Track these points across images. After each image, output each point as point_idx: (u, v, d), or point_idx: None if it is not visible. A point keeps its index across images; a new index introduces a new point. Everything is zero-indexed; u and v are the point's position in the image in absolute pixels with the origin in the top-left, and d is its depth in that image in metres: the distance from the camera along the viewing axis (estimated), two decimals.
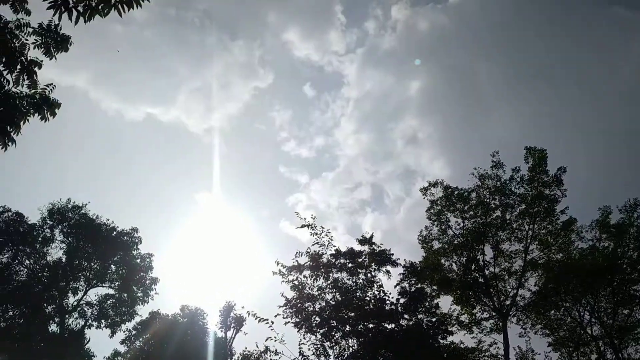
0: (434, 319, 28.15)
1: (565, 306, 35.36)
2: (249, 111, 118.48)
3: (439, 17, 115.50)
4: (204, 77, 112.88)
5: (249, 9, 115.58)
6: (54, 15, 9.07)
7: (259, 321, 26.81)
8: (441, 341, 27.58)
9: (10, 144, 11.06)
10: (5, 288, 37.02)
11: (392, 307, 26.96)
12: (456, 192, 34.61)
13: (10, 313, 37.40)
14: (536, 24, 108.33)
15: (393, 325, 26.80)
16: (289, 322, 27.15)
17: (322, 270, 27.59)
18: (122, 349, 39.27)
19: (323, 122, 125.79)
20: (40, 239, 39.78)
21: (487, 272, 34.09)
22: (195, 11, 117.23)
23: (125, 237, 41.51)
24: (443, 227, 35.11)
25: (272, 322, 26.71)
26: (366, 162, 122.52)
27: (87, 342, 39.86)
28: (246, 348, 38.50)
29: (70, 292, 40.11)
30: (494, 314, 34.04)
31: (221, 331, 37.71)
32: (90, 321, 40.36)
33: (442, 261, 34.58)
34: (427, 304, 28.67)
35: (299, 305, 27.29)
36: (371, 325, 26.68)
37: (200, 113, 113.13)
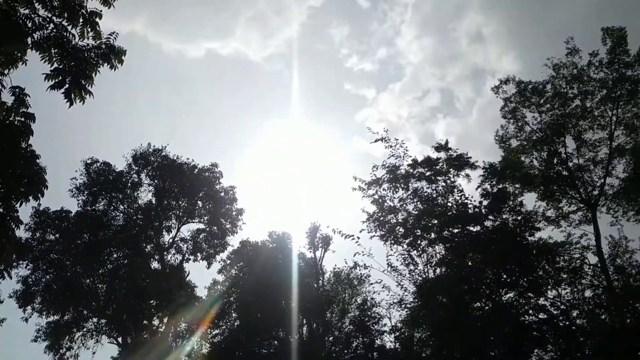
0: (519, 217, 27.90)
1: None
2: (306, 32, 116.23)
3: None
4: (258, 4, 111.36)
5: None
6: None
7: (345, 238, 27.67)
8: (529, 238, 27.40)
9: (87, 96, 11.51)
10: (107, 233, 39.56)
11: (476, 209, 26.90)
12: (530, 86, 33.22)
13: (115, 255, 40.13)
14: None
15: (478, 228, 26.87)
16: (374, 235, 27.81)
17: (401, 181, 27.72)
18: (220, 278, 41.43)
19: (383, 32, 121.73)
20: (129, 184, 41.82)
21: (570, 164, 33.04)
22: None
23: (207, 173, 42.93)
24: (520, 124, 34.05)
25: (358, 238, 27.51)
26: (432, 67, 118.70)
27: (188, 275, 42.40)
28: (336, 265, 39.86)
29: (164, 230, 42.42)
30: (581, 205, 33.22)
31: (310, 252, 39.02)
32: (187, 255, 42.74)
33: (523, 158, 33.73)
34: (510, 203, 28.37)
35: (382, 218, 27.76)
36: (456, 230, 26.87)
37: (259, 41, 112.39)
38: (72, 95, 11.06)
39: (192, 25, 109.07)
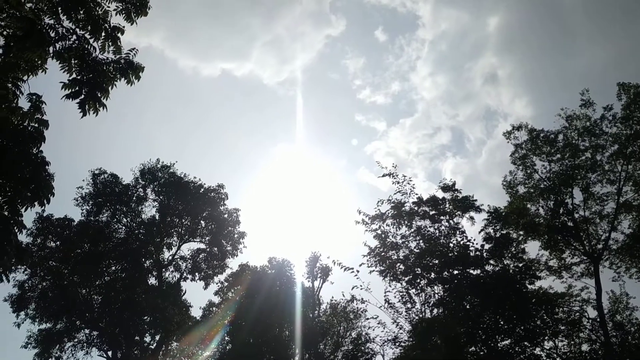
0: (520, 264, 27.72)
1: None
2: (322, 60, 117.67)
3: None
4: (276, 29, 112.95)
5: None
6: None
7: (344, 270, 27.57)
8: (529, 286, 27.17)
9: (100, 108, 11.67)
10: (107, 245, 39.56)
11: (477, 253, 26.79)
12: (542, 135, 33.37)
13: (113, 268, 40.08)
14: None
15: (478, 271, 26.70)
16: (373, 270, 27.67)
17: (405, 218, 27.69)
18: (216, 299, 41.26)
19: (398, 66, 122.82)
20: (134, 198, 41.98)
21: (576, 215, 32.96)
22: None
23: (212, 194, 43.05)
24: (529, 171, 34.10)
25: (357, 271, 27.41)
26: (444, 105, 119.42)
27: (184, 294, 42.23)
28: (333, 297, 39.62)
29: (165, 247, 42.40)
30: (584, 258, 33.03)
31: (308, 281, 38.84)
32: (185, 274, 42.65)
33: (528, 206, 33.70)
34: (513, 249, 28.23)
35: (383, 253, 27.66)
36: (456, 272, 26.71)
37: (274, 66, 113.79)
38: (87, 107, 11.23)
39: (209, 43, 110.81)
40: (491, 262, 27.11)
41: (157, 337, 39.47)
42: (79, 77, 11.20)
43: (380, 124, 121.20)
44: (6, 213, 11.14)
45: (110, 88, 11.66)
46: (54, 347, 37.85)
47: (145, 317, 38.19)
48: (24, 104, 11.69)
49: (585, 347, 28.65)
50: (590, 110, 32.32)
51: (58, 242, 38.86)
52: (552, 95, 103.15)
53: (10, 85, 11.57)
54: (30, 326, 37.76)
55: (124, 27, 11.59)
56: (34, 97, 11.42)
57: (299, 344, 35.83)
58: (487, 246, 27.46)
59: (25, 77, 11.96)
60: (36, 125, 11.73)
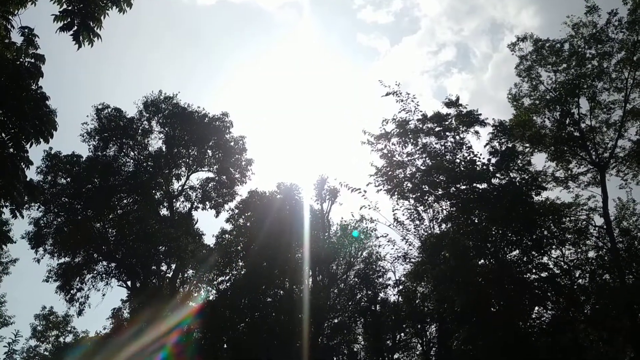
0: (527, 176, 27.82)
1: None
2: None
3: None
4: None
5: None
6: None
7: (352, 191, 27.88)
8: (535, 197, 27.38)
9: (95, 39, 11.50)
10: (117, 179, 39.99)
11: (484, 167, 26.86)
12: (547, 45, 32.59)
13: (125, 201, 40.70)
14: None
15: (485, 185, 26.85)
16: (381, 189, 27.92)
17: (410, 136, 27.65)
18: (228, 227, 42.03)
19: None
20: (140, 131, 42.03)
21: (582, 125, 32.69)
22: None
23: (217, 122, 42.98)
24: (534, 83, 33.55)
25: (365, 191, 27.69)
26: (449, 20, 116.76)
27: (196, 223, 43.03)
28: (343, 218, 40.21)
29: (174, 178, 42.84)
30: (591, 167, 33.01)
31: (317, 204, 39.35)
32: (195, 204, 43.30)
33: (534, 118, 33.40)
34: (519, 161, 28.24)
35: (390, 172, 27.81)
36: (463, 187, 26.87)
37: None
38: (81, 38, 11.06)
39: None
40: (497, 175, 27.19)
41: (173, 266, 40.54)
42: (69, 8, 10.99)
43: (383, 44, 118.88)
44: (11, 150, 11.23)
45: (102, 17, 11.44)
46: (75, 279, 39.08)
47: (160, 247, 39.07)
48: (17, 38, 11.55)
49: (592, 254, 29.14)
50: (595, 16, 31.44)
51: (69, 179, 39.31)
52: (561, 2, 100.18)
53: (1, 19, 11.38)
54: (50, 261, 38.88)
55: None
56: (26, 30, 11.26)
57: (311, 265, 36.72)
58: (493, 160, 27.47)
59: (15, 12, 11.73)
60: (32, 60, 11.62)
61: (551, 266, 26.72)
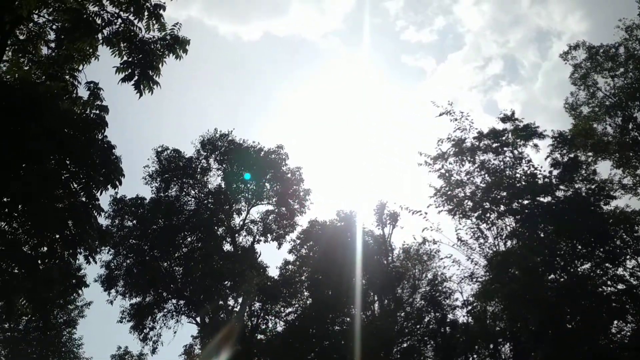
0: (593, 186, 26.95)
1: None
2: (361, 7, 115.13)
3: None
4: None
5: None
6: None
7: (413, 213, 27.72)
8: (604, 207, 26.47)
9: (155, 86, 12.01)
10: (180, 218, 40.95)
11: (546, 180, 26.23)
12: (601, 51, 31.86)
13: (189, 239, 41.54)
14: None
15: (549, 199, 26.18)
16: (442, 210, 27.64)
17: (467, 154, 27.36)
18: (291, 257, 42.19)
19: (440, 0, 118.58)
20: (199, 169, 43.01)
21: None
22: None
23: (273, 155, 43.55)
24: (591, 90, 32.77)
25: (426, 213, 27.48)
26: (493, 33, 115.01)
27: (259, 256, 43.40)
28: (405, 242, 39.83)
29: (234, 213, 43.49)
30: None
31: (378, 229, 39.16)
32: (257, 237, 43.68)
33: (595, 125, 32.49)
34: (583, 171, 27.43)
35: (449, 192, 27.53)
36: (526, 202, 26.29)
37: (314, 19, 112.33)
38: (142, 87, 11.59)
39: (246, 5, 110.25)
40: (561, 187, 26.50)
41: (240, 300, 40.96)
42: (129, 59, 11.55)
43: (429, 63, 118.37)
44: (83, 199, 11.79)
45: (160, 65, 11.96)
46: (147, 318, 39.96)
47: (226, 282, 39.55)
48: (82, 92, 12.21)
49: None
50: None
51: (134, 221, 40.53)
52: (608, 4, 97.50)
53: (67, 77, 12.06)
54: (122, 302, 39.98)
55: (164, 2, 11.78)
56: (92, 85, 11.90)
57: (376, 290, 36.42)
58: (555, 172, 26.80)
59: (80, 67, 12.42)
60: (97, 111, 12.22)
61: (628, 277, 25.63)
